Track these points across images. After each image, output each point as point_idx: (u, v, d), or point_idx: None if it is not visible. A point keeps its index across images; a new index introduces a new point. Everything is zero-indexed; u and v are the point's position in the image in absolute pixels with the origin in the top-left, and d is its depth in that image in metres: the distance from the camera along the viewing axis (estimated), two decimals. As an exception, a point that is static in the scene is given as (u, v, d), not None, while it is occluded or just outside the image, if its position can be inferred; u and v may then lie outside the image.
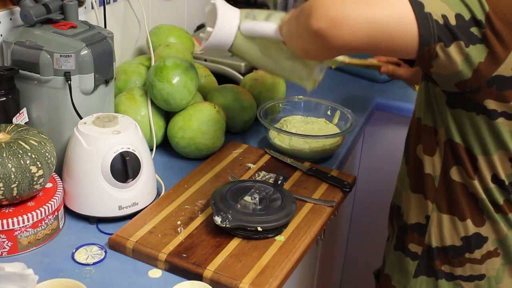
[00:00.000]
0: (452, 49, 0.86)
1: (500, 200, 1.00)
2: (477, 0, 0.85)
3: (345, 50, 0.91)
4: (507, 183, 0.99)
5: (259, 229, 1.06)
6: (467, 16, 0.85)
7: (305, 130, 1.44)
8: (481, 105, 0.93)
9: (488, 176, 0.99)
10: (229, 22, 1.16)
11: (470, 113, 0.95)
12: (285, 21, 1.07)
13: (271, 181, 1.24)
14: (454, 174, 1.01)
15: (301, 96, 1.55)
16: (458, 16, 0.85)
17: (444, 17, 0.85)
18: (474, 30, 0.86)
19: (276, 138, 1.41)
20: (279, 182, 1.16)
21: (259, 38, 1.17)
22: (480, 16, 0.85)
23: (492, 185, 0.99)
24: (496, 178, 0.99)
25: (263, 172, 1.30)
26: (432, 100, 1.01)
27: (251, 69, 1.66)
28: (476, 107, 0.94)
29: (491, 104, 0.93)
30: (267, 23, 1.14)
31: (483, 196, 1.00)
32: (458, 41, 0.86)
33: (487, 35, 0.86)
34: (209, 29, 1.18)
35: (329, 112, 1.51)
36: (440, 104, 0.99)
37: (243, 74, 1.64)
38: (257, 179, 1.27)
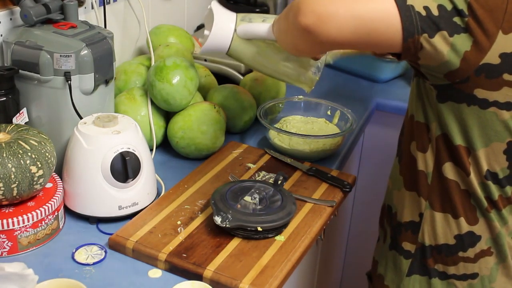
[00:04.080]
0: (437, 40, 0.88)
1: (495, 195, 1.00)
2: None
3: (333, 45, 0.93)
4: (501, 176, 0.99)
5: (259, 229, 1.06)
6: (449, 6, 0.87)
7: (305, 130, 1.44)
8: (471, 95, 0.94)
9: (482, 171, 0.99)
10: (226, 26, 1.17)
11: (460, 105, 0.96)
12: (276, 20, 1.08)
13: (271, 181, 1.24)
14: (447, 170, 1.01)
15: (301, 96, 1.55)
16: (440, 7, 0.87)
17: (426, 8, 0.87)
18: (457, 19, 0.87)
19: (276, 138, 1.41)
20: (279, 182, 1.16)
21: (255, 39, 1.18)
22: (462, 5, 0.87)
23: (486, 180, 0.99)
24: (490, 173, 0.99)
25: (263, 172, 1.30)
26: (423, 96, 1.02)
27: (251, 69, 1.66)
28: (466, 98, 0.95)
29: (481, 93, 0.93)
30: (261, 24, 1.16)
31: (478, 192, 1.00)
32: (442, 31, 0.87)
33: (469, 24, 0.87)
34: (206, 32, 1.19)
35: (329, 112, 1.51)
36: (430, 99, 1.00)
37: (243, 74, 1.64)
38: (257, 179, 1.27)
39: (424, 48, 0.88)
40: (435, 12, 0.87)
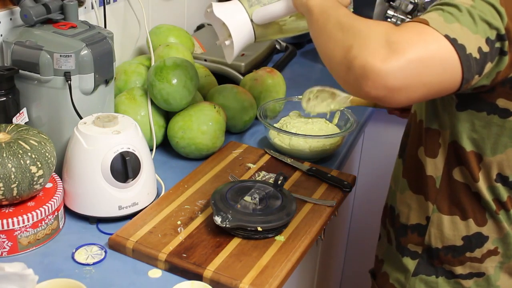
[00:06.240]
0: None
1: (504, 196, 1.00)
2: (497, 13, 0.85)
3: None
4: (511, 179, 1.00)
5: (259, 229, 1.06)
6: (493, 35, 0.86)
7: (305, 130, 1.44)
8: (493, 104, 0.94)
9: (493, 175, 0.99)
10: (241, 23, 1.14)
11: (481, 113, 0.96)
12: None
13: (271, 181, 1.24)
14: (457, 174, 1.01)
15: (301, 96, 1.54)
16: (487, 40, 0.85)
17: (480, 50, 0.85)
18: (498, 44, 0.87)
19: (276, 138, 1.40)
20: (279, 182, 1.16)
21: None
22: (502, 30, 0.86)
23: (496, 183, 1.00)
24: (501, 176, 0.99)
25: (263, 172, 1.30)
26: (438, 104, 1.01)
27: (251, 69, 1.66)
28: (487, 107, 0.95)
29: (502, 103, 0.93)
30: (275, 5, 1.12)
31: (486, 195, 1.00)
32: (487, 63, 0.86)
33: (507, 46, 0.86)
34: (227, 42, 1.16)
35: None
36: (447, 107, 0.99)
37: (243, 74, 1.64)
38: (257, 179, 1.27)
39: (469, 84, 0.88)
40: (485, 49, 0.85)
